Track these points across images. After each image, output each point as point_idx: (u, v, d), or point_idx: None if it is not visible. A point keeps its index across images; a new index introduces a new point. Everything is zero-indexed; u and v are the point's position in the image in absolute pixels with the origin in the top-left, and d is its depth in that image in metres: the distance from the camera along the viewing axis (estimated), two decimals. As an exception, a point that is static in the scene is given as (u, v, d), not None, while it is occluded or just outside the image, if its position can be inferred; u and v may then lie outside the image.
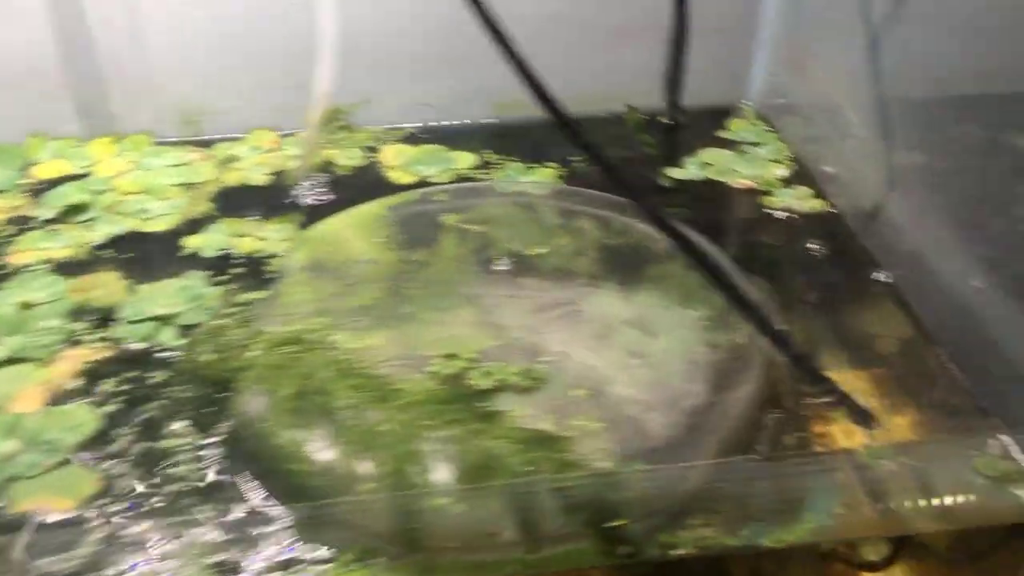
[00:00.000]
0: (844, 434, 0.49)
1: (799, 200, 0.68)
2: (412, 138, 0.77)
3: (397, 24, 0.76)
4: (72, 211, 0.68)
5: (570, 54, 0.75)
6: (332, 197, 0.69)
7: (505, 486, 0.41)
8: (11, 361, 0.54)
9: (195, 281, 0.60)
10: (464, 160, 0.73)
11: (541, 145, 0.74)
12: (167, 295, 0.59)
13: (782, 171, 0.72)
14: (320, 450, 0.45)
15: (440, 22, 0.78)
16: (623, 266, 0.58)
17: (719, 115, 0.79)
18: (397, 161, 0.74)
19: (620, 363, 0.50)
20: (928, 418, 0.51)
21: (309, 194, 0.69)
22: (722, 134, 0.77)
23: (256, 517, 0.43)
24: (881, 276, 0.61)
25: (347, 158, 0.74)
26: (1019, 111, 0.52)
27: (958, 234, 0.56)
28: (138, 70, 0.76)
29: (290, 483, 0.44)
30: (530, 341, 0.51)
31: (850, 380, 0.52)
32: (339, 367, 0.48)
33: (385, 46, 0.76)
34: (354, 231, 0.61)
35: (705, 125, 0.78)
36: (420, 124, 0.79)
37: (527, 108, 0.79)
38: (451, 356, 0.49)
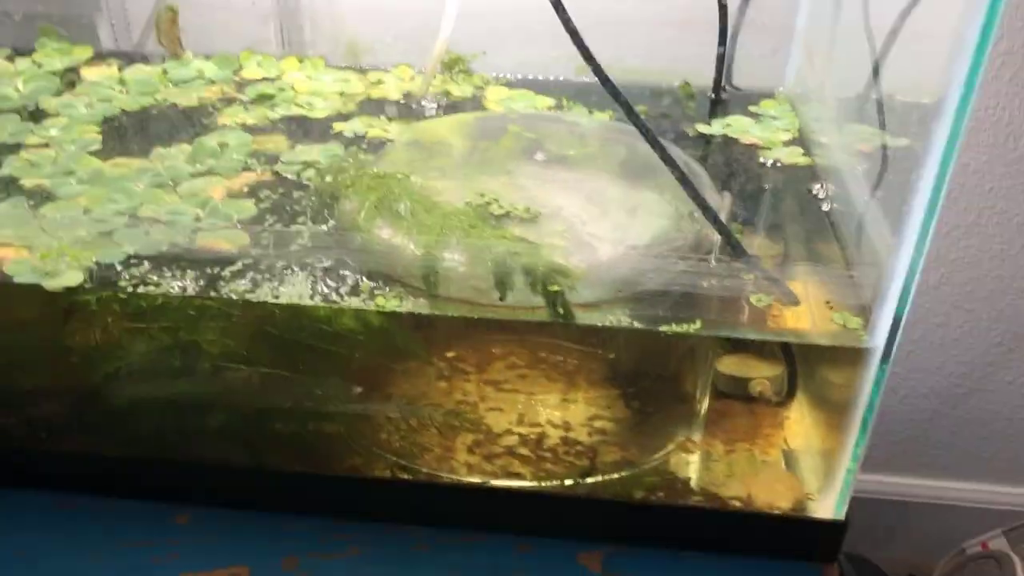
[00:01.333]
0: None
1: (788, 155, 0.88)
2: (512, 84, 1.02)
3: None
4: (262, 98, 0.97)
5: (646, 41, 0.99)
6: (442, 113, 0.94)
7: (489, 254, 0.65)
8: (211, 172, 0.83)
9: (335, 147, 0.87)
10: (544, 102, 0.97)
11: (607, 100, 0.97)
12: (314, 152, 0.86)
13: (786, 136, 0.91)
14: (387, 233, 0.69)
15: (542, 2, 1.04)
16: (633, 172, 0.80)
17: (758, 96, 1.00)
18: (495, 97, 0.98)
19: (595, 216, 0.72)
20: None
21: (426, 109, 0.95)
22: (753, 109, 0.97)
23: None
24: (820, 194, 0.80)
25: (460, 91, 1.00)
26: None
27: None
28: (325, 8, 1.05)
29: (366, 250, 0.69)
30: (539, 197, 0.74)
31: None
32: (409, 192, 0.72)
33: (502, 14, 1.02)
34: (447, 127, 0.86)
35: (743, 102, 0.99)
36: (521, 76, 1.03)
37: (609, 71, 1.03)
38: (482, 194, 0.73)
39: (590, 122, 0.91)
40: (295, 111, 0.95)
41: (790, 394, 0.80)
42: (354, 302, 0.66)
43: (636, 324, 0.65)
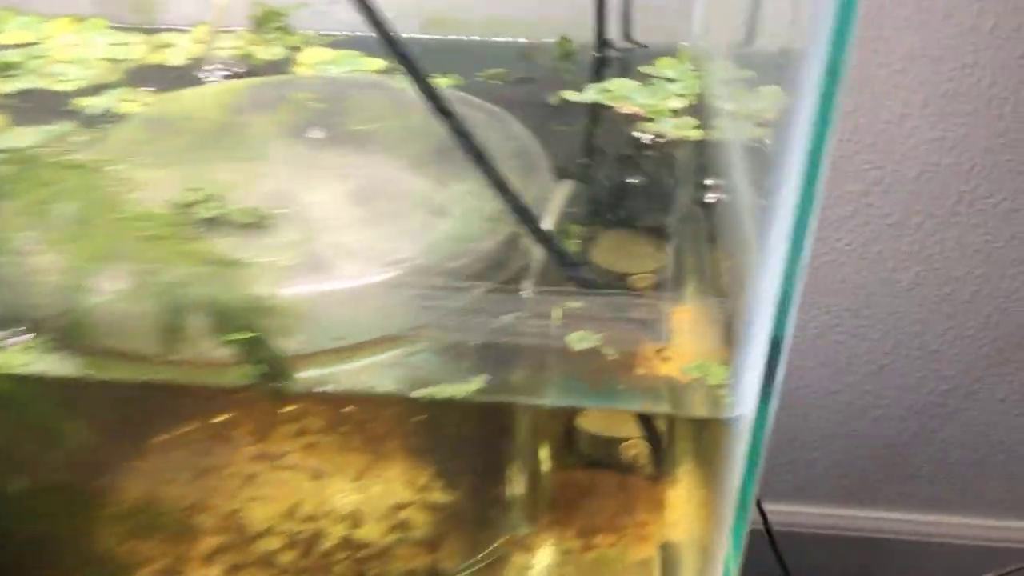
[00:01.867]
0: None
1: (677, 128, 0.64)
2: (338, 44, 0.78)
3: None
4: (2, 68, 0.73)
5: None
6: (232, 82, 0.71)
7: (156, 282, 0.42)
8: None
9: (64, 128, 0.64)
10: (372, 65, 0.74)
11: (454, 62, 0.74)
12: (28, 135, 0.63)
13: (678, 103, 0.68)
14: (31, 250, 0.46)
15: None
16: (453, 159, 0.57)
17: (658, 54, 0.76)
18: (311, 60, 0.75)
19: (358, 219, 0.49)
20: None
21: (213, 78, 0.72)
22: (645, 70, 0.74)
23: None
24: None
25: (268, 54, 0.76)
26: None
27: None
28: None
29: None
30: (291, 190, 0.51)
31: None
32: (89, 187, 0.49)
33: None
34: (209, 98, 0.63)
35: (636, 60, 0.75)
36: (351, 33, 0.80)
37: (454, 28, 0.80)
38: (196, 188, 0.49)
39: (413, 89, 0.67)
40: (38, 83, 0.71)
41: (658, 461, 0.57)
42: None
43: (382, 387, 0.42)
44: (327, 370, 0.42)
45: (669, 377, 0.43)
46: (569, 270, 0.47)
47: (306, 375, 0.42)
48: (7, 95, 0.69)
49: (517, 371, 0.43)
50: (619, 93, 0.69)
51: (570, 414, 0.57)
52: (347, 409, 0.57)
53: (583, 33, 0.78)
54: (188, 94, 0.65)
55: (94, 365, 0.43)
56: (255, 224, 0.48)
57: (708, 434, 0.48)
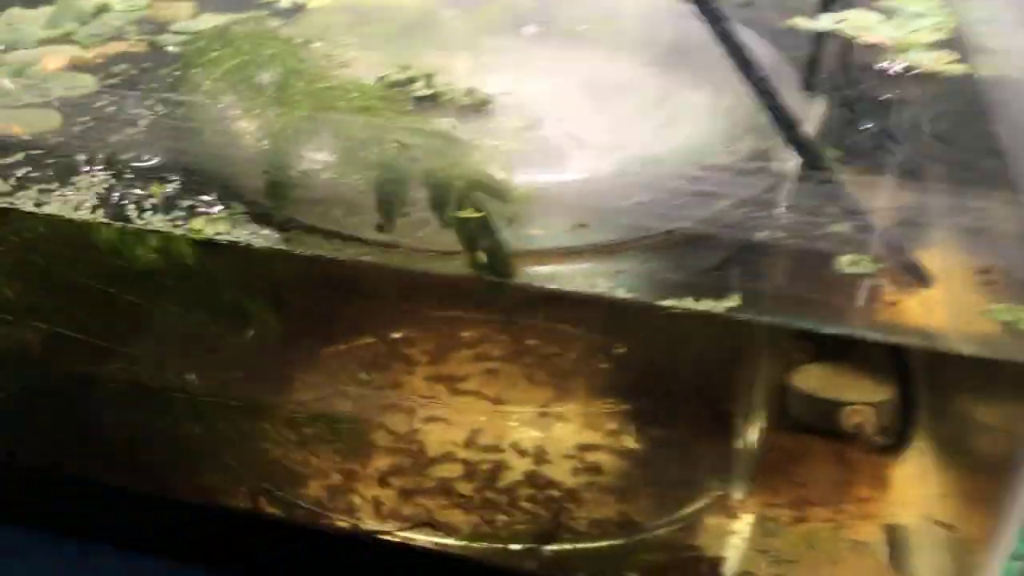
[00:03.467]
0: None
1: (932, 61, 0.56)
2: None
3: None
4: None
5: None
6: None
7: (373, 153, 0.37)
8: (66, 39, 0.58)
9: (252, 16, 0.60)
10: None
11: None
12: (219, 21, 0.60)
13: (931, 36, 0.59)
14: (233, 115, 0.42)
15: None
16: (676, 62, 0.50)
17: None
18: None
19: (586, 111, 0.43)
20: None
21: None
22: (884, 3, 0.65)
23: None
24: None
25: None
26: None
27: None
28: None
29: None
30: (505, 80, 0.45)
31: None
32: (287, 57, 0.45)
33: None
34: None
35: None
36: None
37: None
38: (403, 67, 0.45)
39: None
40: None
41: (905, 435, 0.48)
42: (157, 222, 0.40)
43: (622, 293, 0.36)
44: (556, 268, 0.37)
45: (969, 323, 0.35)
46: (824, 172, 0.40)
47: (532, 271, 0.36)
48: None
49: (770, 292, 0.37)
50: (859, 23, 0.61)
51: (785, 368, 0.50)
52: (531, 341, 0.52)
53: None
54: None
55: (294, 239, 0.38)
56: (474, 107, 0.42)
57: (998, 401, 0.40)
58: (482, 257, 0.36)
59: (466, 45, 0.50)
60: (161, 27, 0.60)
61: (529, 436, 0.49)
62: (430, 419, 0.49)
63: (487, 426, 0.49)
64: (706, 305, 0.35)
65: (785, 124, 0.40)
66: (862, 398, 0.50)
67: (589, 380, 0.50)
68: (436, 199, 0.36)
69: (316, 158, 0.39)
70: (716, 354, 0.45)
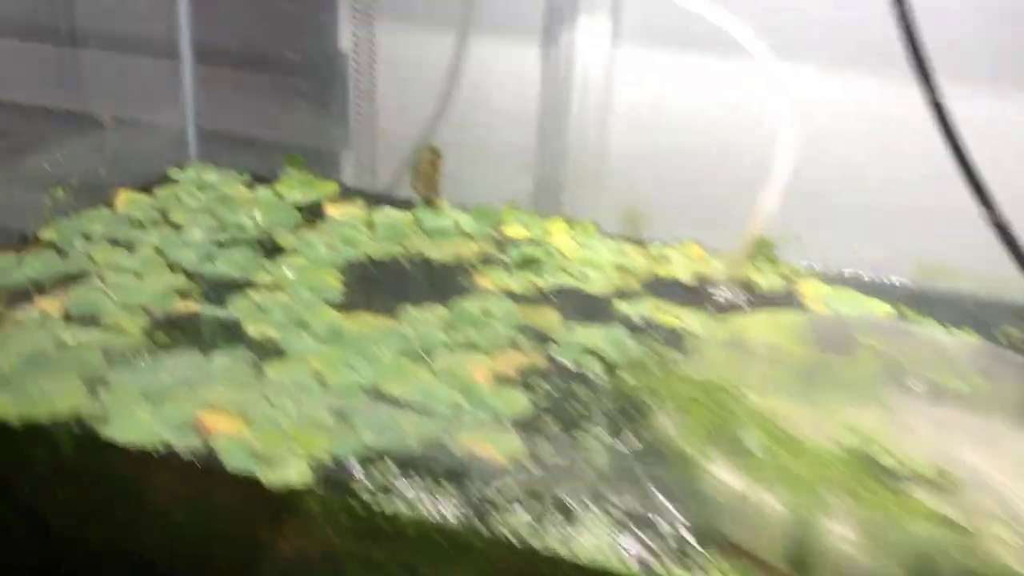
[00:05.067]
0: None
1: None
2: (827, 279, 0.81)
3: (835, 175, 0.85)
4: (526, 262, 0.80)
5: None
6: (745, 307, 0.75)
7: (904, 538, 0.42)
8: (470, 346, 0.65)
9: (619, 333, 0.68)
10: (880, 308, 0.76)
11: (963, 312, 0.75)
12: (596, 336, 0.68)
13: None
14: (728, 474, 0.49)
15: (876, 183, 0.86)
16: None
17: None
18: (813, 293, 0.78)
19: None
20: None
21: (726, 298, 0.76)
22: None
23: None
24: None
25: (766, 281, 0.80)
26: None
27: None
28: (591, 166, 0.91)
29: (696, 490, 0.48)
30: (938, 448, 0.52)
31: None
32: (753, 415, 0.52)
33: (822, 193, 0.83)
34: (768, 327, 0.66)
35: None
36: (839, 271, 0.83)
37: (952, 276, 0.81)
38: (851, 429, 0.51)
39: (953, 341, 0.68)
40: (566, 281, 0.78)
41: None
42: (677, 573, 0.45)
43: None
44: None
45: None
46: None
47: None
48: (545, 290, 0.75)
49: None
50: None
51: None
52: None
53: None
54: (744, 320, 0.69)
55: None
56: (943, 486, 0.48)
57: None
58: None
59: (871, 398, 0.57)
60: (543, 337, 0.67)
61: None
62: None
63: None
64: None
65: None
66: None
67: None
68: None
69: (836, 531, 0.44)
70: None
